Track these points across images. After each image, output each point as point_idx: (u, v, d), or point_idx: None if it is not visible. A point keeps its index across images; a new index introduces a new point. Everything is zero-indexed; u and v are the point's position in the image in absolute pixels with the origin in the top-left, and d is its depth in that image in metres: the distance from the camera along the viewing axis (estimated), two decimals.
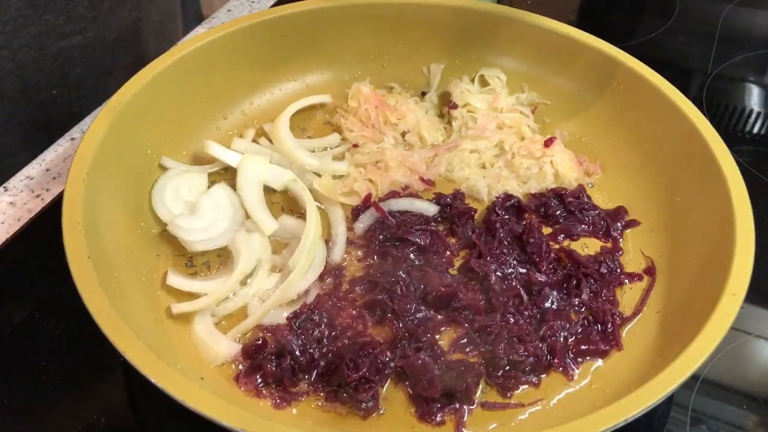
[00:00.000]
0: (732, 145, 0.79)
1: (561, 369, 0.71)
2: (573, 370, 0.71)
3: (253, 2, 1.22)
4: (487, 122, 0.92)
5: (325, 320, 0.72)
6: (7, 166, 0.92)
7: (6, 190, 0.89)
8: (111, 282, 0.67)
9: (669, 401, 0.73)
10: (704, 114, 0.82)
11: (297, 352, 0.68)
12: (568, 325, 0.73)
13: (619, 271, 0.79)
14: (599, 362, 0.71)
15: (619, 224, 0.84)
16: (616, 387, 0.67)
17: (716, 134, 0.79)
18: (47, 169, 0.92)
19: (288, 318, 0.72)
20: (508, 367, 0.69)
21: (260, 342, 0.70)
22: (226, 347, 0.70)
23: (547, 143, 0.89)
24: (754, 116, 1.10)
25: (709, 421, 0.72)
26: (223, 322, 0.74)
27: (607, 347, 0.72)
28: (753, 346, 0.78)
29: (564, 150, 0.90)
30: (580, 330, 0.73)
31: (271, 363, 0.68)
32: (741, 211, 0.72)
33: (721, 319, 0.63)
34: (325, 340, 0.70)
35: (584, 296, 0.76)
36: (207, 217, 0.81)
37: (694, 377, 0.60)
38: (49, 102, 1.00)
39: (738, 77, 1.17)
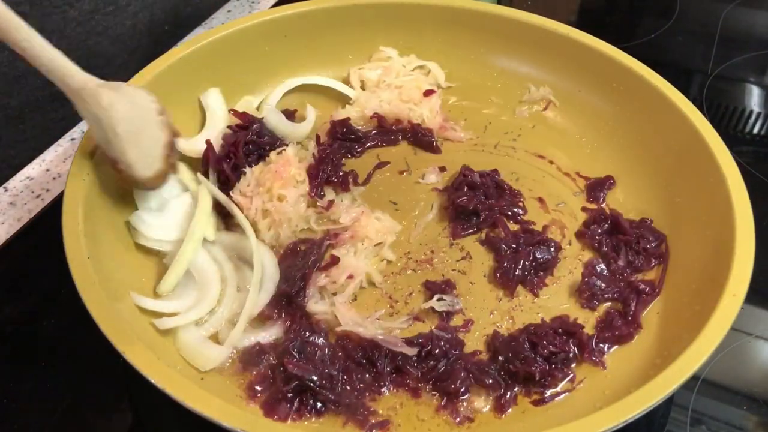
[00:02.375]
0: (732, 145, 0.79)
1: (591, 360, 0.71)
2: (601, 357, 0.71)
3: (253, 3, 1.22)
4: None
5: (322, 337, 0.71)
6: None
7: (6, 191, 0.89)
8: (111, 282, 0.67)
9: (669, 402, 0.73)
10: (704, 114, 0.82)
11: (315, 378, 0.66)
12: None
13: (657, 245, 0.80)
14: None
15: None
16: (616, 387, 0.67)
17: (716, 135, 0.79)
18: (47, 170, 0.92)
19: (285, 345, 0.69)
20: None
21: (257, 348, 0.70)
22: (216, 352, 0.69)
23: (426, 93, 0.96)
24: (754, 117, 1.10)
25: (709, 421, 0.72)
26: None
27: (631, 330, 0.73)
28: (753, 346, 0.78)
29: (434, 105, 0.96)
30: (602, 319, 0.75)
31: (291, 394, 0.66)
32: (741, 211, 0.72)
33: (721, 319, 0.63)
34: (327, 358, 0.69)
35: (621, 262, 0.78)
36: (169, 219, 0.79)
37: (694, 378, 0.60)
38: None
39: (738, 78, 1.17)
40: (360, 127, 0.95)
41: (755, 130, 1.08)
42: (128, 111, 0.70)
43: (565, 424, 0.57)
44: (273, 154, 0.84)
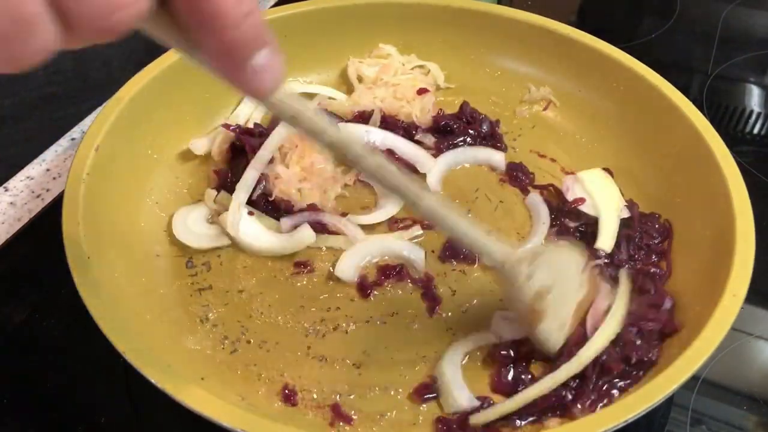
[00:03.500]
0: (732, 145, 0.79)
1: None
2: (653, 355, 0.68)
3: None
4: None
5: None
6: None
7: (6, 190, 0.89)
8: (111, 282, 0.67)
9: (669, 402, 0.73)
10: (704, 114, 0.82)
11: None
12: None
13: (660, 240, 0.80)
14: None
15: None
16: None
17: (716, 135, 0.79)
18: (47, 169, 0.92)
19: None
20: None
21: None
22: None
23: (419, 92, 0.96)
24: (754, 117, 1.10)
25: (709, 421, 0.72)
26: None
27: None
28: (753, 346, 0.78)
29: (426, 104, 0.95)
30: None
31: None
32: (741, 211, 0.72)
33: (722, 319, 0.63)
34: None
35: (623, 255, 0.77)
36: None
37: (694, 378, 0.60)
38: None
39: (738, 78, 1.17)
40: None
41: (755, 130, 1.08)
42: (546, 279, 0.64)
43: (565, 424, 0.57)
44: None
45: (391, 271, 0.78)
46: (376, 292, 0.77)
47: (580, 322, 0.67)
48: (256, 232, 0.80)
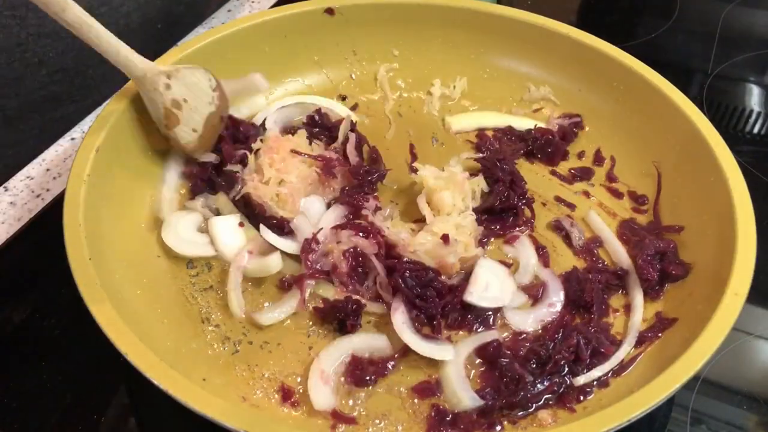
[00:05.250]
0: (732, 145, 0.79)
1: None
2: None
3: (253, 2, 1.22)
4: None
5: None
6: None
7: (6, 190, 0.89)
8: (112, 283, 0.67)
9: (670, 401, 0.73)
10: (704, 114, 0.82)
11: None
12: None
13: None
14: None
15: None
16: (618, 388, 0.67)
17: (717, 134, 0.79)
18: (47, 169, 0.92)
19: None
20: None
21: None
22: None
23: None
24: (754, 116, 1.10)
25: (709, 421, 0.72)
26: None
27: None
28: (753, 346, 0.78)
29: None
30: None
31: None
32: (742, 211, 0.72)
33: (723, 319, 0.63)
34: None
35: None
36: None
37: (694, 377, 0.60)
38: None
39: (738, 77, 1.17)
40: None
41: (755, 130, 1.08)
42: (182, 93, 0.80)
43: (566, 424, 0.57)
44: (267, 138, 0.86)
45: (363, 367, 0.70)
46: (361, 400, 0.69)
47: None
48: (233, 247, 0.79)
